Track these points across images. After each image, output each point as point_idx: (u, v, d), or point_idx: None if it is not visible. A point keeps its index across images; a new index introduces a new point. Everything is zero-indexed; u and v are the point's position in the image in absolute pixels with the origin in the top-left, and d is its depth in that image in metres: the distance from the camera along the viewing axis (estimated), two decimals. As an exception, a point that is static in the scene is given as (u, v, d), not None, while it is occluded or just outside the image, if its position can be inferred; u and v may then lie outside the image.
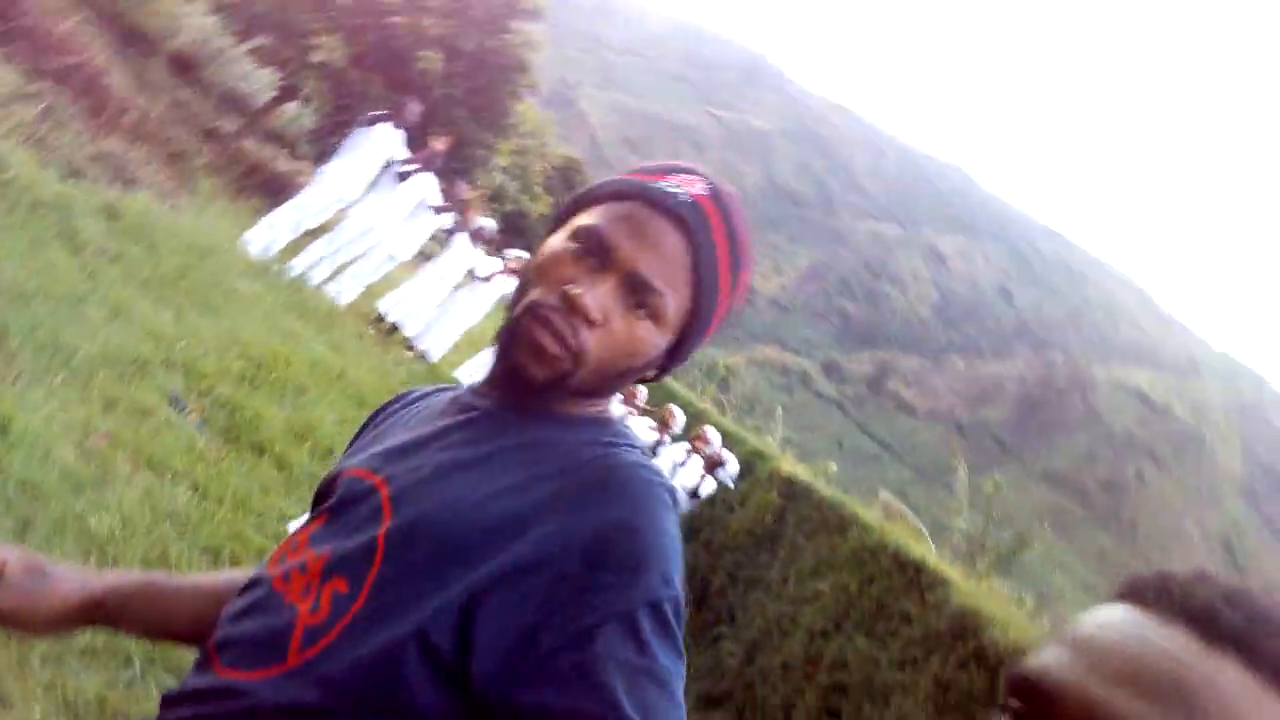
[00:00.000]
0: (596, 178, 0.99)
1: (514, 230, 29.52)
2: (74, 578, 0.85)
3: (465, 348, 9.51)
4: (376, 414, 0.96)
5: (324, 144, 9.75)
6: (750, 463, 7.98)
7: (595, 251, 0.76)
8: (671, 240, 0.77)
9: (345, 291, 8.03)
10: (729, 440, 9.13)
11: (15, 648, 2.06)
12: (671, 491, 0.76)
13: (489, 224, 8.91)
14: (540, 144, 11.56)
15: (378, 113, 7.24)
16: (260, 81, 12.01)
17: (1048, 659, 0.52)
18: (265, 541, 3.45)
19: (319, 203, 7.23)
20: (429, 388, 0.96)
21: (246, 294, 5.92)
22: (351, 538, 0.75)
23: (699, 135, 64.62)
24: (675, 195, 0.78)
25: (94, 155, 5.65)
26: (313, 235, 7.57)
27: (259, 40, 8.02)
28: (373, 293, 8.61)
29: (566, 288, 0.74)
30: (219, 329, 4.98)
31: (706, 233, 0.78)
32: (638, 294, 0.76)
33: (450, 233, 8.56)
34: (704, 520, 7.90)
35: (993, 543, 14.90)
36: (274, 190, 9.53)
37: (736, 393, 32.75)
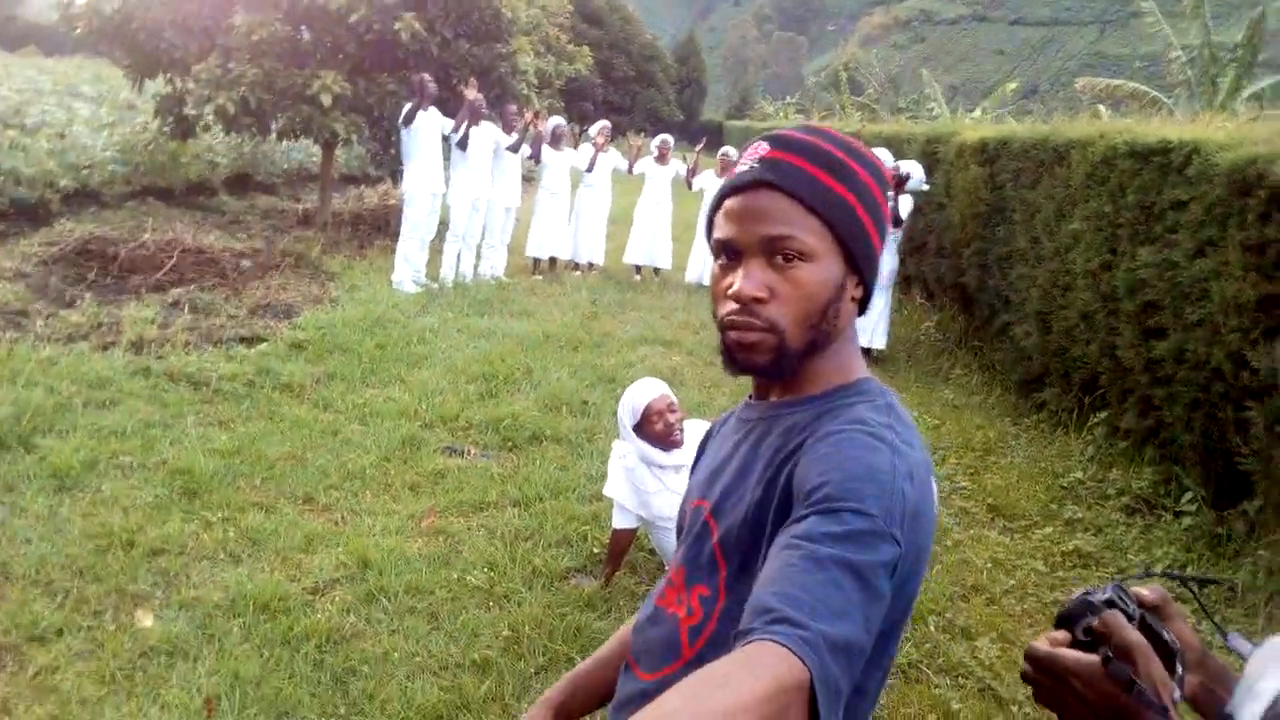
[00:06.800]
0: None
1: (578, 96, 28.54)
2: (538, 709, 1.13)
3: (621, 232, 9.58)
4: (701, 445, 1.15)
5: (388, 161, 9.98)
6: (932, 153, 7.43)
7: (729, 253, 0.90)
8: (763, 198, 0.88)
9: (496, 264, 8.38)
10: (897, 144, 8.57)
11: None
12: (880, 435, 0.84)
13: (558, 121, 8.74)
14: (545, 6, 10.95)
15: (409, 107, 7.25)
16: (302, 153, 12.42)
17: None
18: (583, 506, 3.82)
19: (421, 214, 7.49)
20: (725, 414, 1.11)
21: (433, 325, 6.37)
22: (699, 552, 0.97)
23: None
24: (744, 170, 0.90)
25: (254, 306, 6.24)
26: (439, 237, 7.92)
27: (274, 124, 8.23)
28: (516, 247, 8.90)
29: (729, 291, 0.89)
30: (435, 372, 5.43)
31: (785, 170, 0.88)
32: (773, 251, 0.87)
33: (533, 156, 8.52)
34: (922, 232, 7.55)
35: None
36: (384, 228, 9.98)
37: (874, 79, 30.24)
